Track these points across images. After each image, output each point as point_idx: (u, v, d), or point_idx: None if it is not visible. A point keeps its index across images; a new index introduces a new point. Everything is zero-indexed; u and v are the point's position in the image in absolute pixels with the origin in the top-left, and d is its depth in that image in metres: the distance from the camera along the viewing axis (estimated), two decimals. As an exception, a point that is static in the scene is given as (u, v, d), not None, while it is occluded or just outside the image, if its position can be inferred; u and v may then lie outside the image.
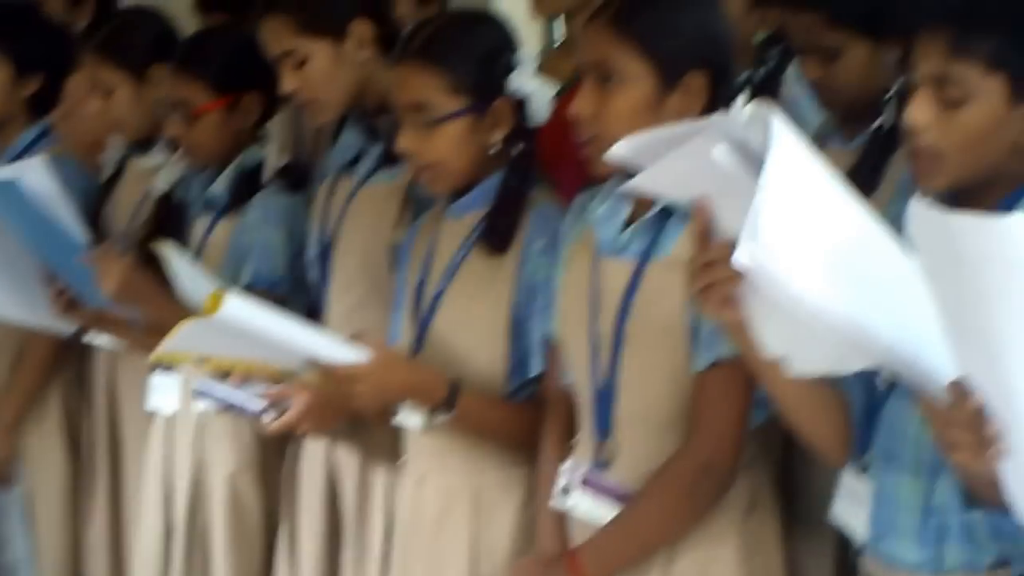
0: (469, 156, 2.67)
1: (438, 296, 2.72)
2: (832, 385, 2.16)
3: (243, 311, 2.47)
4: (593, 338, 2.46)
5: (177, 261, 3.06)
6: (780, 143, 1.84)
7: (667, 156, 1.94)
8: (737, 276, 1.92)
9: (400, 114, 2.69)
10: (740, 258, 1.81)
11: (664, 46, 2.39)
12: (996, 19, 2.01)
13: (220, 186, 3.33)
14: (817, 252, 1.83)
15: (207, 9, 4.18)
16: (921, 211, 1.69)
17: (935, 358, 1.81)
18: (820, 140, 3.00)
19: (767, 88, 3.33)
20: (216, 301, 2.43)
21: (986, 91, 2.01)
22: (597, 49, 2.41)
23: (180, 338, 2.55)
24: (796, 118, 3.16)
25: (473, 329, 2.68)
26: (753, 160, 1.88)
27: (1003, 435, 1.76)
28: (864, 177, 2.77)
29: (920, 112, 2.04)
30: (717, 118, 1.94)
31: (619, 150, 2.01)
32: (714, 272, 1.97)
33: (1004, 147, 2.04)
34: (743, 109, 1.90)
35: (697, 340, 2.37)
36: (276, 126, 3.39)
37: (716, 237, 1.99)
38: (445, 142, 2.65)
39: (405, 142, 2.67)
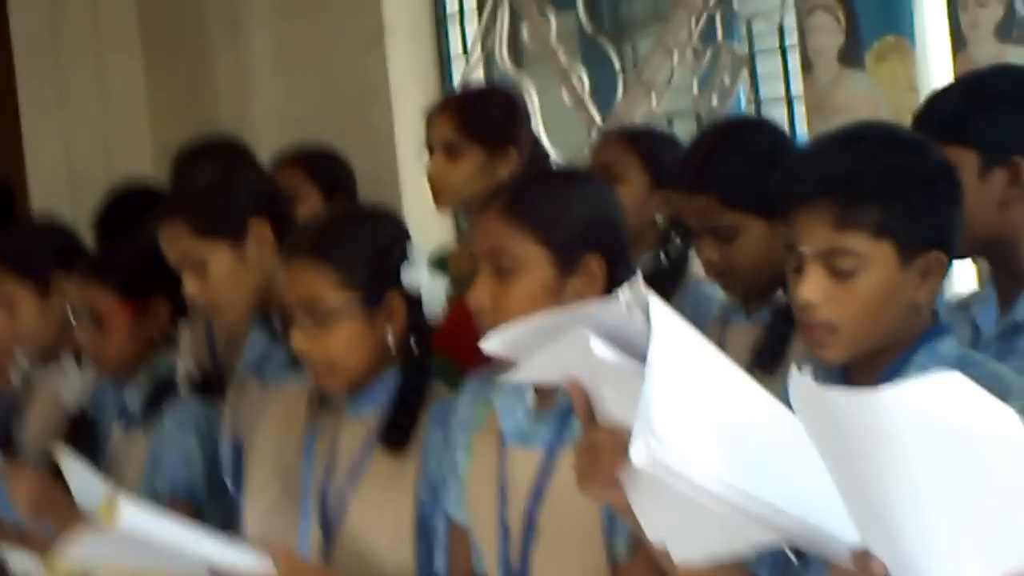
0: (364, 352, 2.64)
1: (343, 499, 2.67)
2: (735, 563, 2.10)
3: (137, 519, 2.43)
4: (502, 528, 2.42)
5: (73, 467, 3.01)
6: (661, 328, 1.83)
7: (543, 349, 1.92)
8: (620, 460, 1.88)
9: (292, 312, 2.67)
10: (636, 455, 1.78)
11: (558, 232, 2.39)
12: (877, 189, 2.03)
13: (133, 395, 3.30)
14: (713, 434, 1.81)
15: (107, 232, 4.15)
16: (800, 386, 1.68)
17: (841, 527, 1.79)
18: (723, 319, 3.03)
19: (672, 270, 3.36)
20: (110, 510, 2.39)
21: (875, 258, 2.03)
22: (491, 238, 2.41)
23: (74, 549, 2.50)
24: (701, 298, 3.24)
25: (380, 530, 2.63)
26: (633, 345, 1.87)
27: None
28: (769, 351, 2.79)
29: (812, 289, 2.05)
30: (591, 307, 1.93)
31: (493, 343, 1.99)
32: (597, 455, 1.94)
33: (900, 309, 2.06)
34: (619, 295, 1.89)
35: (614, 527, 2.33)
36: (187, 331, 3.37)
37: (600, 419, 1.96)
38: (338, 339, 2.62)
39: (298, 341, 2.65)
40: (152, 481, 3.20)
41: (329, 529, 2.68)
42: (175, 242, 3.08)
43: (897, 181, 2.05)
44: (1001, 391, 1.98)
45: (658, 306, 1.85)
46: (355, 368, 2.65)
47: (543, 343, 1.93)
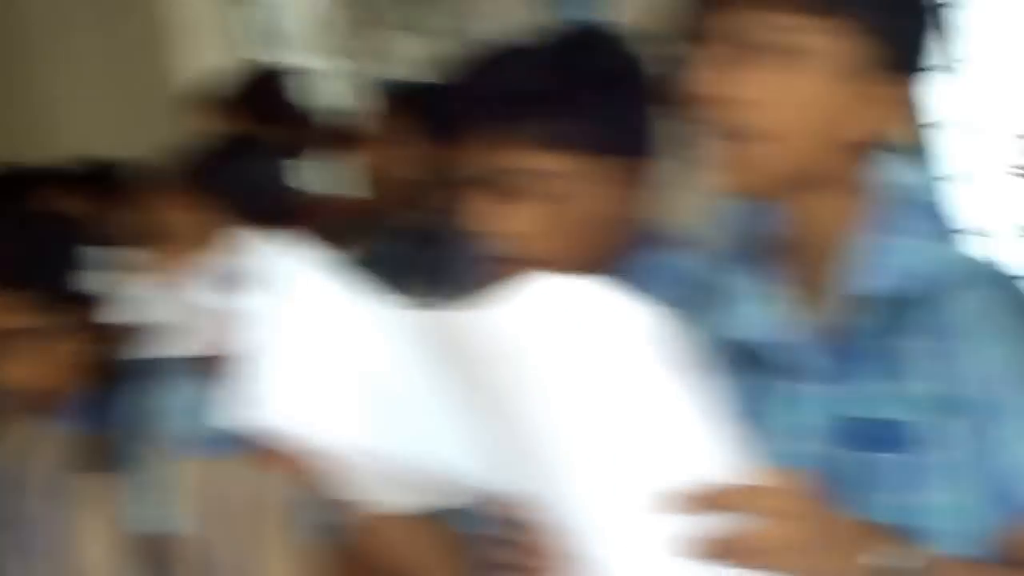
0: (49, 373, 2.41)
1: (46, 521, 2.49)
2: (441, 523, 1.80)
3: None
4: None
5: None
6: (264, 280, 1.50)
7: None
8: None
9: None
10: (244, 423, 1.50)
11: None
12: (538, 98, 1.80)
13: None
14: (337, 387, 1.50)
15: None
16: (411, 318, 1.41)
17: (497, 475, 1.43)
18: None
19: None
20: None
21: (551, 173, 1.79)
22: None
23: None
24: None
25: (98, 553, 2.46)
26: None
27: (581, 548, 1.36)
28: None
29: (482, 219, 1.80)
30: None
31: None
32: None
33: (601, 227, 1.82)
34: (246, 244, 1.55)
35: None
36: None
37: None
38: (19, 364, 2.41)
39: None
40: None
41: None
42: None
43: (561, 86, 1.80)
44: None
45: (262, 252, 1.51)
46: (43, 392, 2.42)
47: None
